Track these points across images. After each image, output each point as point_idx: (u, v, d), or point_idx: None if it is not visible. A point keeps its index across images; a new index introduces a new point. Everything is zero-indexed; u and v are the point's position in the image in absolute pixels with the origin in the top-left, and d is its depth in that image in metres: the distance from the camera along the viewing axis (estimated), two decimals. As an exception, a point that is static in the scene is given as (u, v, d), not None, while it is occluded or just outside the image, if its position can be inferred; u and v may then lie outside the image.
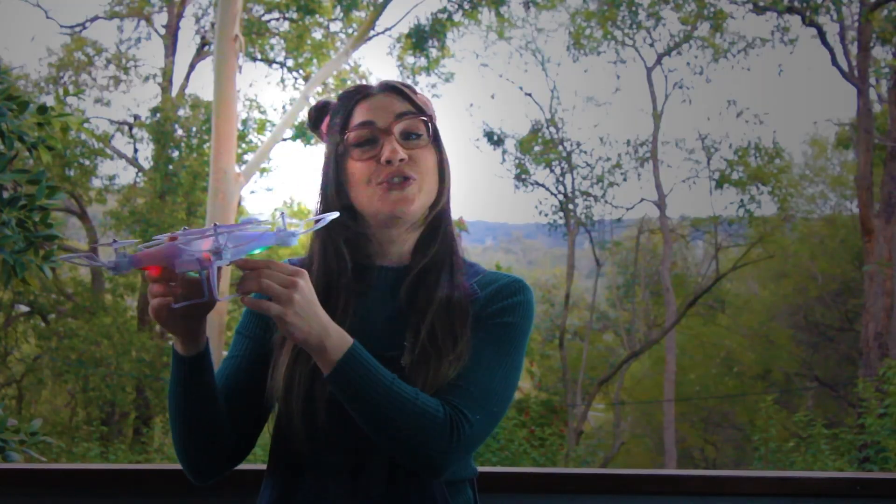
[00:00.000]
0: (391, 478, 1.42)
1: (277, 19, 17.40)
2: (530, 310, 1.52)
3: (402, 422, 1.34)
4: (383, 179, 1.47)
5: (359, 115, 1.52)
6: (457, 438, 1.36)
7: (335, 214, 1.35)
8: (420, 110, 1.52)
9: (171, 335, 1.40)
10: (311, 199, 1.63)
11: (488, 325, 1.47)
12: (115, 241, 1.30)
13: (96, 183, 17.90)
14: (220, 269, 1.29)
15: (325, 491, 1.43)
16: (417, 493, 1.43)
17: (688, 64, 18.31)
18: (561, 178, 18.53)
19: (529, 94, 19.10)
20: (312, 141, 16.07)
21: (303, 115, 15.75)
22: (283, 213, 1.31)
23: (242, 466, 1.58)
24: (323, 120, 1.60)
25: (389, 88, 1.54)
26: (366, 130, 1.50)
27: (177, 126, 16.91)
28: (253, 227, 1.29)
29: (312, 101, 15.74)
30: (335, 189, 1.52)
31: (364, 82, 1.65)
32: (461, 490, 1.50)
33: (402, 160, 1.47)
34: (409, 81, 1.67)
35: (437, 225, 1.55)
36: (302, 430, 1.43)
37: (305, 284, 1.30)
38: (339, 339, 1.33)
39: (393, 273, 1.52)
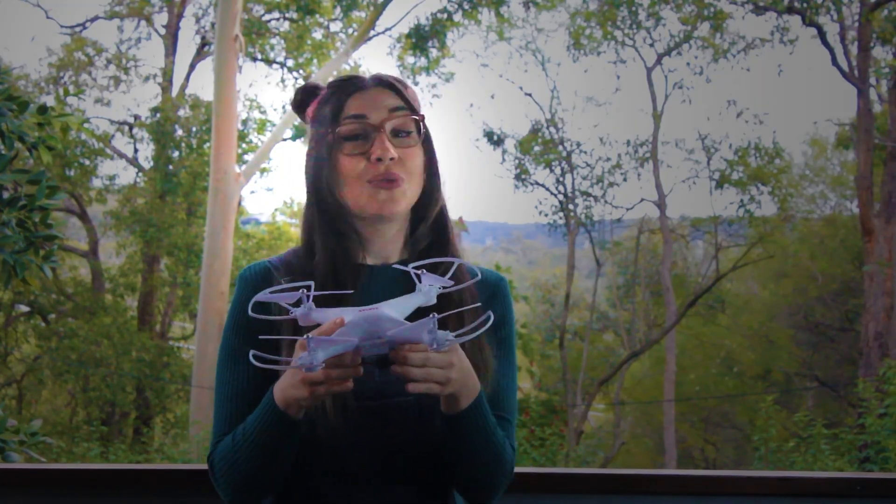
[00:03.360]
0: (418, 484, 1.46)
1: (277, 19, 17.40)
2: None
3: (494, 466, 1.44)
4: (373, 178, 1.46)
5: (351, 108, 1.49)
6: (513, 473, 1.52)
7: None
8: (411, 107, 1.51)
9: (292, 399, 1.32)
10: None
11: (498, 337, 1.53)
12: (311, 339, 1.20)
13: (96, 183, 17.91)
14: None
15: (349, 498, 1.43)
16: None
17: (688, 64, 18.29)
18: (561, 178, 18.51)
19: (529, 95, 19.11)
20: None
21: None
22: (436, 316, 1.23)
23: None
24: (309, 104, 1.56)
25: (382, 83, 1.52)
26: (357, 124, 1.47)
27: (177, 126, 16.91)
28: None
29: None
30: (327, 180, 1.49)
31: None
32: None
33: (392, 159, 1.45)
34: (407, 80, 1.59)
35: (436, 223, 1.54)
36: (332, 434, 1.39)
37: (458, 360, 1.31)
38: (473, 387, 1.37)
39: (383, 271, 1.51)
